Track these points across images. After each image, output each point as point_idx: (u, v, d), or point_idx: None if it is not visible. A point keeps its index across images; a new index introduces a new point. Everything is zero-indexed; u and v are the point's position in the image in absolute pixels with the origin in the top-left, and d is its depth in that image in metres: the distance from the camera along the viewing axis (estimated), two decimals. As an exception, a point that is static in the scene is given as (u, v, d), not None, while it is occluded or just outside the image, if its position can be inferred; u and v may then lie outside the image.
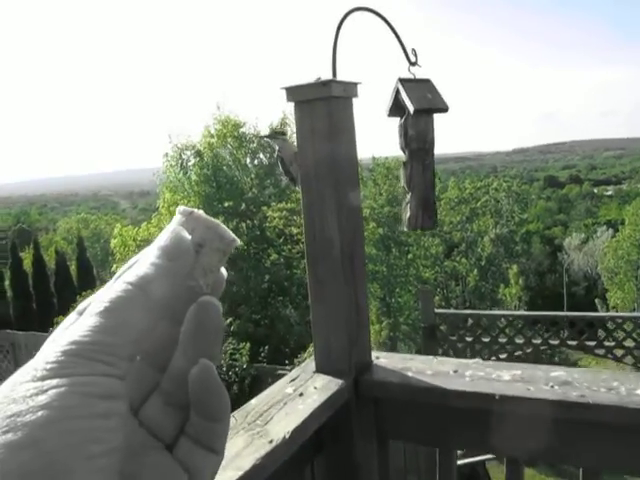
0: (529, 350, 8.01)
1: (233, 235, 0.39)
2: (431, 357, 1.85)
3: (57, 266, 23.53)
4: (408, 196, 2.26)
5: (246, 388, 9.45)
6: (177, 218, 0.39)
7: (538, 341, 8.03)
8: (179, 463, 0.36)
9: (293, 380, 1.76)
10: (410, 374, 1.72)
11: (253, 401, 1.64)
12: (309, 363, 1.86)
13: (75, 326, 0.33)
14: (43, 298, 20.19)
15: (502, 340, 8.19)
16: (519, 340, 8.13)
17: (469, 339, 8.40)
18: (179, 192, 19.05)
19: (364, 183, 25.34)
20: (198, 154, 18.95)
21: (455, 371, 1.72)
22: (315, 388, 1.68)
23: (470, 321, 8.49)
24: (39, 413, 0.28)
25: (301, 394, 1.64)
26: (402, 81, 2.30)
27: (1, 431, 0.28)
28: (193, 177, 19.07)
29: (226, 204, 18.39)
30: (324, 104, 1.69)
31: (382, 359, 1.87)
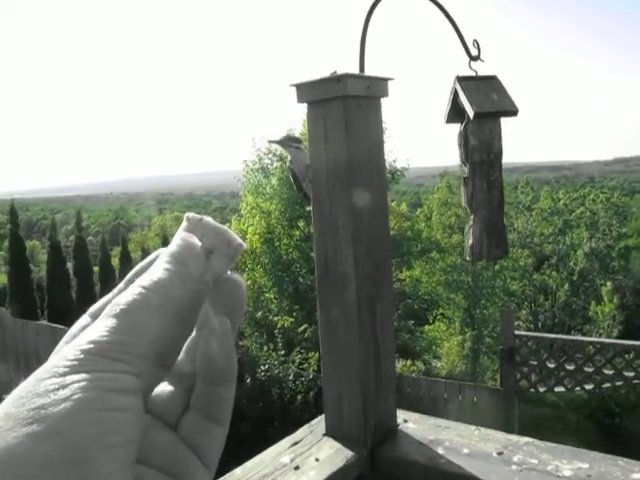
0: (619, 383, 7.22)
1: (240, 240, 0.40)
2: (473, 427, 1.45)
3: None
4: (471, 219, 1.87)
5: (310, 400, 9.17)
6: (185, 224, 0.40)
7: (631, 374, 7.22)
8: (183, 441, 0.37)
9: (295, 444, 1.42)
10: (441, 451, 1.34)
11: (237, 471, 1.33)
12: (320, 422, 1.51)
13: (93, 327, 0.34)
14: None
15: (589, 369, 7.43)
16: (608, 371, 7.35)
17: (551, 365, 7.70)
18: (261, 195, 19.17)
19: (452, 191, 24.65)
20: (280, 158, 18.97)
21: (500, 453, 1.32)
22: (317, 460, 1.33)
23: (554, 346, 7.78)
24: (61, 405, 0.29)
25: (297, 467, 1.30)
26: (461, 80, 1.91)
27: (26, 422, 0.29)
28: (274, 181, 19.13)
29: (307, 208, 18.25)
30: (339, 105, 1.35)
31: (411, 424, 1.49)
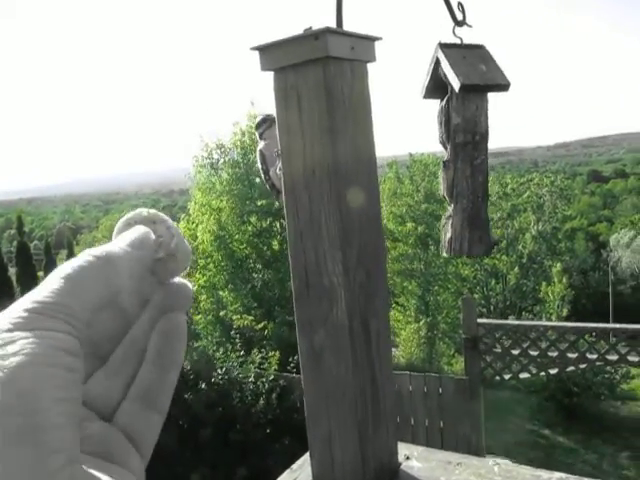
0: (583, 366, 7.21)
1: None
2: (489, 462, 1.20)
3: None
4: (450, 209, 1.61)
5: (273, 401, 8.88)
6: (146, 216, 0.40)
7: (594, 356, 7.20)
8: (121, 431, 0.37)
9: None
10: (457, 497, 1.08)
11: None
12: (305, 466, 1.23)
13: (39, 287, 0.33)
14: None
15: (552, 354, 7.39)
16: (571, 354, 7.32)
17: (515, 352, 7.63)
18: (211, 192, 18.73)
19: (401, 181, 24.82)
20: (228, 153, 18.52)
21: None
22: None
23: (517, 332, 7.72)
24: (11, 359, 0.29)
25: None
26: (444, 47, 1.65)
27: None
28: (224, 176, 18.70)
29: (259, 203, 17.92)
30: (317, 69, 1.06)
31: (415, 461, 1.22)
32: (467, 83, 1.59)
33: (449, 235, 1.61)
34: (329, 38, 1.02)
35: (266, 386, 9.01)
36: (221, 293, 16.81)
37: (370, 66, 1.17)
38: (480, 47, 1.70)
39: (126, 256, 0.36)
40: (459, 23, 1.64)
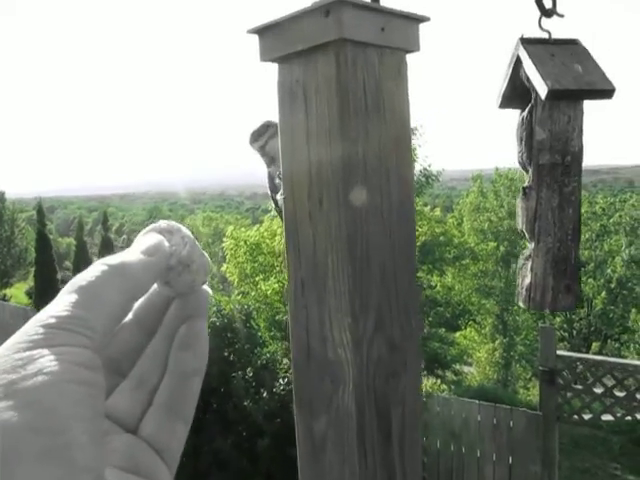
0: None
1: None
2: None
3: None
4: (529, 249, 1.27)
5: (293, 382, 8.56)
6: (164, 227, 0.40)
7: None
8: (145, 441, 0.37)
9: None
10: None
11: None
12: None
13: (55, 302, 0.33)
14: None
15: (642, 397, 6.67)
16: (666, 399, 6.58)
17: (598, 390, 6.96)
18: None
19: (484, 195, 24.10)
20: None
21: None
22: None
23: (601, 370, 7.05)
24: (33, 379, 0.29)
25: None
26: (527, 43, 1.31)
27: None
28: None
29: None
30: (328, 59, 0.77)
31: None
32: (557, 88, 1.25)
33: (527, 281, 1.28)
34: (345, 13, 0.72)
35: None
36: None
37: (414, 59, 0.87)
38: (574, 42, 1.35)
39: (139, 263, 0.36)
40: (547, 13, 1.29)
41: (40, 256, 19.21)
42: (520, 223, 1.40)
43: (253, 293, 14.32)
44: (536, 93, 1.29)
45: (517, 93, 1.39)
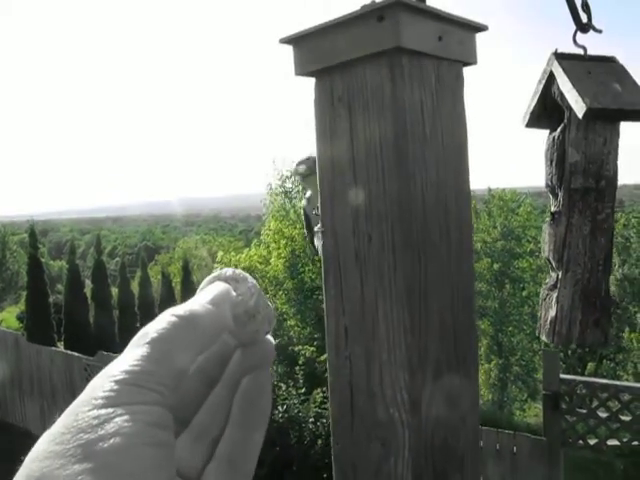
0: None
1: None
2: None
3: (162, 288, 24.04)
4: (552, 276, 1.17)
5: (332, 444, 8.40)
6: (230, 275, 0.40)
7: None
8: None
9: None
10: None
11: None
12: None
13: (125, 355, 0.33)
14: (147, 318, 20.37)
15: (649, 421, 6.53)
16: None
17: (603, 415, 6.83)
18: (285, 220, 18.75)
19: (477, 216, 24.20)
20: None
21: None
22: None
23: (606, 393, 6.92)
24: (111, 441, 0.28)
25: None
26: (561, 59, 1.22)
27: (76, 460, 0.28)
28: (299, 204, 18.69)
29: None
30: (381, 72, 0.67)
31: None
32: (596, 107, 1.16)
33: (552, 314, 1.18)
34: (402, 17, 0.63)
35: (325, 428, 8.55)
36: (288, 322, 16.67)
37: (472, 70, 0.77)
38: (611, 60, 1.27)
39: (208, 314, 0.36)
40: (583, 27, 1.21)
41: (32, 280, 18.92)
42: (546, 250, 1.31)
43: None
44: (570, 112, 1.21)
45: (547, 111, 1.31)
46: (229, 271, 0.41)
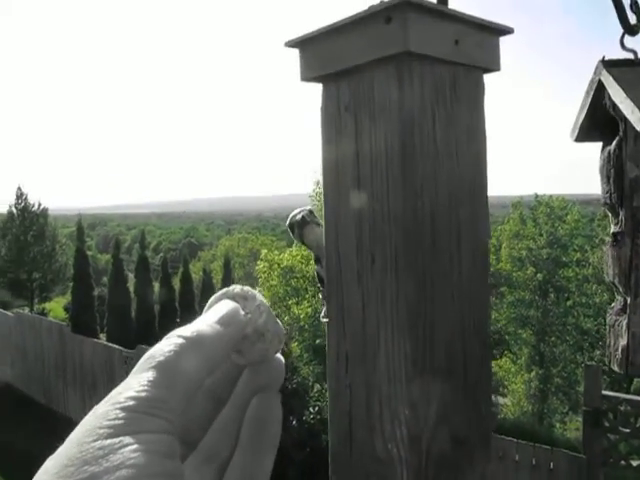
0: None
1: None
2: None
3: (203, 285, 24.41)
4: (619, 301, 1.09)
5: (330, 475, 8.33)
6: (237, 292, 0.39)
7: None
8: None
9: None
10: None
11: None
12: None
13: (131, 380, 0.32)
14: (187, 314, 20.72)
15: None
16: None
17: (647, 435, 6.55)
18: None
19: (524, 222, 23.68)
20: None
21: None
22: None
23: (651, 413, 6.64)
24: (117, 473, 0.27)
25: None
26: (610, 66, 1.14)
27: None
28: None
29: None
30: (388, 79, 0.62)
31: None
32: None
33: (624, 342, 1.10)
34: (412, 19, 0.57)
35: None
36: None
37: (489, 81, 0.71)
38: (666, 62, 1.18)
39: (215, 335, 0.35)
40: (632, 29, 1.13)
41: (77, 273, 19.48)
42: (610, 274, 1.21)
43: (286, 317, 14.19)
44: (625, 123, 1.12)
45: (597, 124, 1.22)
46: (237, 288, 0.40)
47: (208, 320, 0.36)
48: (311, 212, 1.09)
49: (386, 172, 0.62)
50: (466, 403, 0.67)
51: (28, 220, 23.16)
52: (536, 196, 24.87)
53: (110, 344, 12.03)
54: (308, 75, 0.69)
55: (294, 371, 12.27)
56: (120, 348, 11.15)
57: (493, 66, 0.71)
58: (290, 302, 18.14)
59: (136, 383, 0.31)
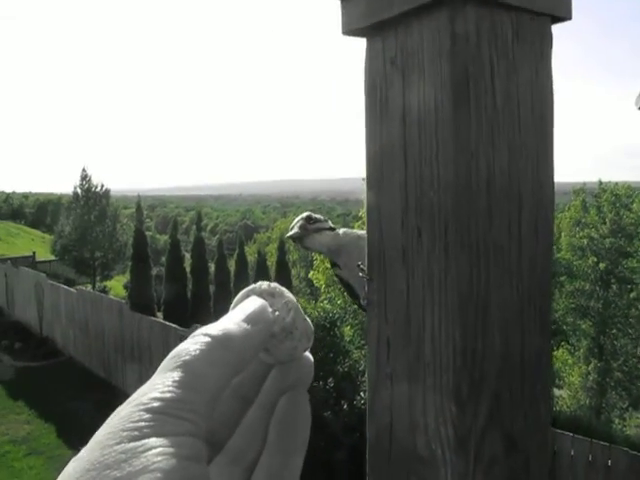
0: None
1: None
2: None
3: (257, 267, 24.77)
4: None
5: (367, 472, 8.28)
6: (265, 289, 0.38)
7: None
8: None
9: None
10: None
11: None
12: None
13: (155, 380, 0.31)
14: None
15: None
16: None
17: None
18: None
19: (586, 210, 22.85)
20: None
21: None
22: None
23: None
24: (139, 478, 0.27)
25: None
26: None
27: None
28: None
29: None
30: (439, 27, 0.54)
31: None
32: None
33: None
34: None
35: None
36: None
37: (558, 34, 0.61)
38: None
39: (243, 334, 0.34)
40: None
41: (136, 252, 20.04)
42: None
43: (339, 300, 14.18)
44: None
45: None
46: (264, 284, 0.39)
47: (235, 318, 0.35)
48: (309, 218, 1.03)
49: (436, 133, 0.54)
50: (522, 401, 0.58)
51: (92, 200, 23.97)
52: (600, 183, 23.92)
53: (166, 322, 12.33)
54: (351, 27, 0.61)
55: (345, 354, 12.29)
56: (176, 326, 11.41)
57: (563, 14, 0.60)
58: (344, 285, 18.10)
59: (161, 383, 0.30)
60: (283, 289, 0.39)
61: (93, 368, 13.40)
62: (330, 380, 9.00)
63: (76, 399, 10.88)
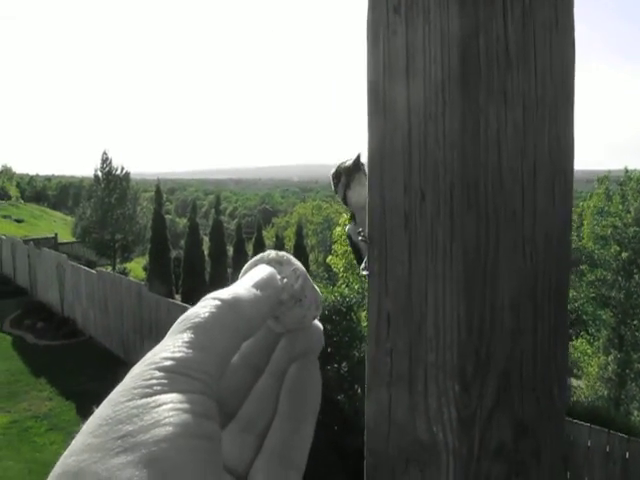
0: None
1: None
2: None
3: (275, 250, 24.99)
4: None
5: (365, 456, 8.28)
6: (273, 257, 0.38)
7: None
8: None
9: None
10: None
11: None
12: None
13: (166, 341, 0.31)
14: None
15: None
16: None
17: None
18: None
19: (610, 198, 22.48)
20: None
21: None
22: None
23: None
24: (152, 431, 0.27)
25: None
26: None
27: (115, 452, 0.26)
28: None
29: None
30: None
31: None
32: None
33: None
34: None
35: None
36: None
37: None
38: None
39: (252, 298, 0.34)
40: None
41: (155, 235, 20.24)
42: None
43: (357, 286, 14.14)
44: None
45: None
46: (272, 253, 0.39)
47: (244, 284, 0.35)
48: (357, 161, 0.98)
49: (442, 85, 0.49)
50: (534, 383, 0.53)
51: (112, 183, 24.16)
52: (626, 171, 23.47)
53: (184, 304, 12.44)
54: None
55: (362, 339, 12.29)
56: (194, 308, 11.49)
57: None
58: (362, 270, 18.11)
59: (171, 344, 0.30)
60: (291, 257, 0.38)
61: (112, 348, 13.60)
62: (344, 365, 9.01)
63: (95, 378, 11.08)
